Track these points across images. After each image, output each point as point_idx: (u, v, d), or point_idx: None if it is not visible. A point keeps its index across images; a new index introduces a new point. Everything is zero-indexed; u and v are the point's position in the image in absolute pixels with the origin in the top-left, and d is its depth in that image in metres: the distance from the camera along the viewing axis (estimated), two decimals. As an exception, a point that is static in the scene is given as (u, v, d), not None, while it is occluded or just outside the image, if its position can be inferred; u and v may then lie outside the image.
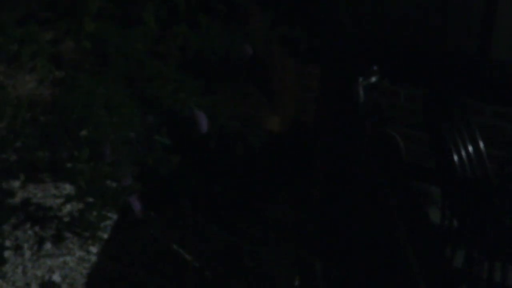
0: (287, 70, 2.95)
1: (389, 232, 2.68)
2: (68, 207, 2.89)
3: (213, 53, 2.81)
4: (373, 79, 2.77)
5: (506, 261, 2.47)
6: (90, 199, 2.76)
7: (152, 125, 2.81)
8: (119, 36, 2.75)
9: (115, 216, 2.90)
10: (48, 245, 2.80)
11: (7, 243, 2.75)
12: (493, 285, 2.42)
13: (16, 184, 2.87)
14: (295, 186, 2.87)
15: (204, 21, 2.78)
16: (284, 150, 2.92)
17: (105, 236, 2.86)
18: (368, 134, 2.77)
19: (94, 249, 2.82)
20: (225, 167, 2.89)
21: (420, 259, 2.60)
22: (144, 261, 2.75)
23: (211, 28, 2.79)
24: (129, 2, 2.78)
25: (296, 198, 2.87)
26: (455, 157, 2.62)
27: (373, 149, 2.75)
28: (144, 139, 2.80)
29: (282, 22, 2.79)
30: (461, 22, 2.75)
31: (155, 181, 2.84)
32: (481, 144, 2.63)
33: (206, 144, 2.80)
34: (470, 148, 2.64)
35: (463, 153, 2.64)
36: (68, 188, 2.92)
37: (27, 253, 2.76)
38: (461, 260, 2.52)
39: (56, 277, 2.71)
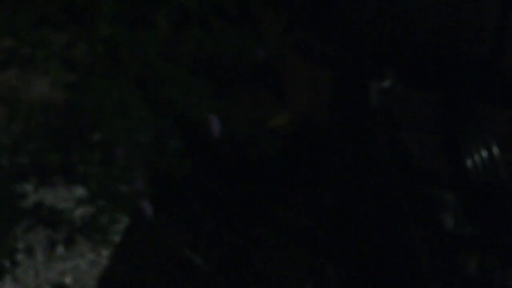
0: (300, 74, 2.96)
1: (402, 238, 2.68)
2: (80, 211, 2.90)
3: (226, 56, 2.83)
4: (386, 83, 2.78)
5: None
6: (102, 203, 2.80)
7: (164, 129, 2.82)
8: (132, 40, 2.78)
9: (126, 220, 2.92)
10: (60, 248, 2.82)
11: (20, 245, 2.79)
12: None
13: (28, 187, 2.85)
14: (308, 190, 2.90)
15: (217, 24, 2.82)
16: (296, 154, 2.95)
17: (117, 239, 2.90)
18: (381, 139, 2.78)
19: (105, 253, 2.86)
20: (237, 171, 2.92)
21: (433, 265, 2.60)
22: (156, 265, 2.79)
23: (223, 32, 2.81)
24: (142, 6, 2.79)
25: (309, 202, 2.89)
26: (470, 163, 2.65)
27: (386, 154, 2.77)
28: (156, 143, 2.82)
29: (295, 26, 2.84)
30: (475, 26, 2.75)
31: (167, 185, 2.88)
32: (496, 149, 2.64)
33: (218, 149, 2.86)
34: (485, 154, 2.66)
35: (478, 158, 2.66)
36: (80, 191, 2.91)
37: (39, 256, 2.81)
38: (475, 267, 2.55)
39: (68, 280, 2.76)
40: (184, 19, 2.82)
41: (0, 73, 2.89)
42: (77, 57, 2.82)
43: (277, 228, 2.82)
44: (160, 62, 2.79)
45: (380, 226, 2.73)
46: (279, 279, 2.69)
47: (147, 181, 2.80)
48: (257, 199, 2.87)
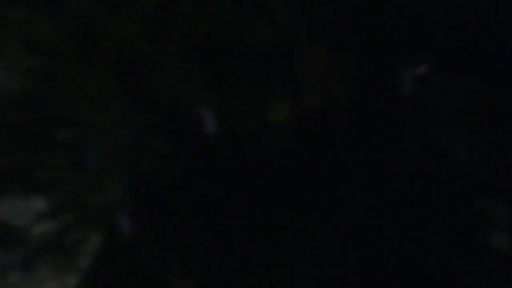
0: (315, 58, 2.74)
1: (439, 259, 2.48)
2: (40, 227, 2.68)
3: (224, 38, 2.63)
4: (421, 69, 2.60)
5: None
6: (69, 217, 2.63)
7: (148, 125, 2.63)
8: (110, 17, 2.59)
9: (99, 238, 2.69)
10: (14, 275, 2.62)
11: None
12: None
13: None
14: (322, 199, 2.63)
15: (214, 4, 2.60)
16: (307, 155, 2.70)
17: (86, 263, 2.67)
18: (413, 139, 2.59)
19: (72, 280, 2.65)
20: (236, 176, 2.67)
21: (475, 273, 2.43)
22: None
23: (222, 8, 2.62)
24: None
25: (323, 213, 2.62)
26: None
27: (419, 157, 2.57)
28: (138, 143, 2.64)
29: (309, 0, 2.66)
30: None
31: (151, 194, 2.65)
32: None
33: (214, 149, 2.63)
34: None
35: None
36: (41, 203, 2.69)
37: None
38: None
39: None
40: None
41: None
42: (40, 38, 2.64)
43: (284, 246, 2.58)
44: (144, 44, 2.59)
45: (411, 246, 2.52)
46: None
47: (125, 190, 2.64)
48: (260, 210, 2.63)
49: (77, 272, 2.66)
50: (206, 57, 2.68)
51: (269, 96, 2.75)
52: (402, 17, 2.60)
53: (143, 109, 2.60)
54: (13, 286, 2.60)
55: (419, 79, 2.61)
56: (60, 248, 2.61)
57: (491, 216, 2.49)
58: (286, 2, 2.68)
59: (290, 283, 2.54)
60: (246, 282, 2.55)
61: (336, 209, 2.64)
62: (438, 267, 2.50)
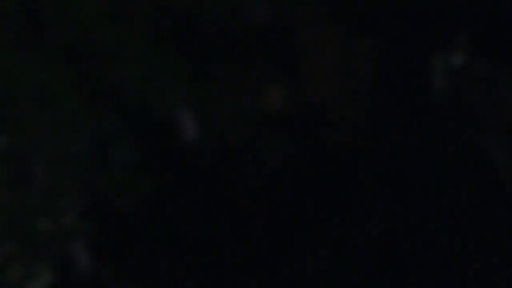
0: (324, 44, 2.39)
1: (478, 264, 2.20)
2: None
3: (208, 18, 2.28)
4: (457, 58, 2.28)
5: None
6: (10, 248, 2.25)
7: (111, 130, 2.28)
8: None
9: (50, 274, 2.29)
10: None
11: None
12: None
13: None
14: (333, 218, 2.28)
15: None
16: (316, 163, 2.32)
17: None
18: (448, 141, 2.26)
19: None
20: (222, 194, 2.30)
21: None
22: None
23: None
24: None
25: (336, 238, 2.28)
26: None
27: (457, 164, 2.25)
28: (97, 152, 2.28)
29: None
30: None
31: (114, 219, 2.29)
32: None
33: (194, 160, 2.27)
34: None
35: None
36: None
37: None
38: None
39: None
40: None
41: None
42: None
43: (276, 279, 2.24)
44: (105, 26, 2.24)
45: (453, 269, 2.22)
46: None
47: (82, 213, 2.28)
48: (251, 237, 2.27)
49: None
50: (186, 42, 2.32)
51: (265, 91, 2.39)
52: (428, 8, 2.26)
53: (103, 108, 2.24)
54: None
55: (456, 71, 2.28)
56: (6, 284, 2.27)
57: None
58: None
59: None
60: None
61: (356, 234, 2.25)
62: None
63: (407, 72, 2.34)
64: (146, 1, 2.25)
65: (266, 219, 2.32)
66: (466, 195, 2.28)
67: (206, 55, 2.33)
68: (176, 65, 2.24)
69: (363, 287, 2.30)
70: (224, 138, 2.29)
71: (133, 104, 2.24)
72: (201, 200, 2.34)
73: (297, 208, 2.32)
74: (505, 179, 2.28)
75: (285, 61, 2.39)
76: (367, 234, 2.32)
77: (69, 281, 2.31)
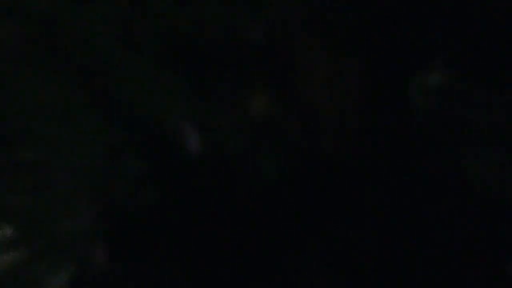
0: (316, 64, 2.48)
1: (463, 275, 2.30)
2: (3, 259, 2.46)
3: (209, 38, 2.40)
4: (437, 77, 2.37)
5: None
6: (35, 247, 2.43)
7: (121, 142, 2.41)
8: (75, 15, 2.38)
9: (69, 271, 2.45)
10: None
11: None
12: None
13: None
14: (327, 228, 2.39)
15: None
16: (315, 178, 2.43)
17: None
18: (430, 157, 2.37)
19: None
20: (223, 202, 2.42)
21: None
22: None
23: (207, 3, 2.40)
24: None
25: (329, 246, 2.38)
26: None
27: (437, 178, 2.35)
28: (109, 162, 2.42)
29: None
30: None
31: (126, 222, 2.44)
32: None
33: (196, 170, 2.40)
34: None
35: None
36: (1, 232, 2.47)
37: None
38: None
39: None
40: None
41: None
42: None
43: (278, 281, 2.36)
44: (115, 47, 2.38)
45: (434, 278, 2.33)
46: None
47: (99, 217, 2.44)
48: (251, 243, 2.39)
49: None
50: (188, 60, 2.43)
51: (262, 106, 2.52)
52: (414, 14, 2.34)
53: (114, 123, 2.39)
54: None
55: (435, 90, 2.36)
56: (25, 282, 2.42)
57: None
58: (285, 3, 2.44)
59: None
60: None
61: (345, 242, 2.36)
62: None
63: (391, 89, 2.42)
64: (154, 24, 2.36)
65: (262, 221, 2.43)
66: (446, 204, 2.32)
67: (208, 74, 2.43)
68: (180, 83, 2.36)
69: None
70: (223, 148, 2.39)
71: (141, 119, 2.36)
72: (202, 203, 2.44)
73: (290, 212, 2.46)
74: (485, 190, 2.34)
75: (279, 77, 2.54)
76: (358, 239, 2.48)
77: (86, 277, 2.44)
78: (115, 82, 2.35)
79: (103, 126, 2.36)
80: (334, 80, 2.46)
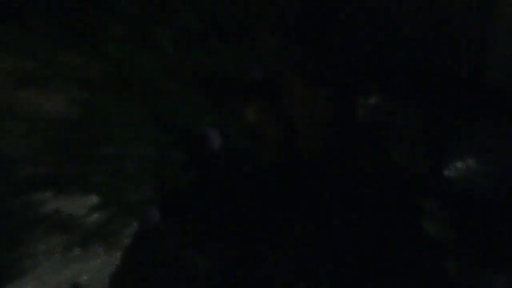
0: (295, 91, 3.01)
1: (392, 240, 2.80)
2: (94, 216, 2.99)
3: (225, 73, 2.93)
4: (373, 99, 2.93)
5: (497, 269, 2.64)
6: (114, 209, 2.93)
7: (168, 142, 2.93)
8: (139, 59, 2.91)
9: (136, 225, 3.01)
10: (76, 250, 2.94)
11: (40, 248, 2.91)
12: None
13: (47, 195, 2.94)
14: (302, 198, 2.96)
15: (216, 44, 2.95)
16: (291, 165, 3.01)
17: (127, 242, 2.98)
18: (370, 152, 2.91)
19: (117, 254, 2.96)
20: (235, 182, 2.98)
21: (419, 264, 2.72)
22: (162, 265, 2.89)
23: (222, 51, 2.94)
24: (148, 27, 2.91)
25: (303, 208, 2.95)
26: (452, 173, 2.80)
27: (375, 166, 2.90)
28: (161, 155, 2.93)
29: (291, 46, 2.95)
30: (457, 45, 2.86)
31: (172, 194, 2.95)
32: (477, 161, 2.78)
33: (217, 161, 2.93)
34: (467, 165, 2.80)
35: (461, 169, 2.79)
36: (94, 199, 2.98)
37: (57, 257, 2.92)
38: (454, 266, 2.69)
39: (83, 279, 2.88)
40: (187, 40, 2.92)
41: (21, 91, 2.98)
42: (91, 77, 2.92)
43: (273, 235, 2.92)
44: (164, 79, 2.90)
45: (371, 231, 2.85)
46: (273, 281, 2.84)
47: (154, 190, 2.91)
48: (253, 206, 2.96)
49: (121, 250, 2.90)
50: (212, 88, 2.92)
51: (261, 119, 2.95)
52: (361, 63, 2.85)
53: (164, 129, 2.87)
54: (76, 259, 2.85)
55: (372, 106, 2.87)
56: (109, 232, 2.88)
57: (426, 209, 2.78)
58: (273, 46, 2.90)
59: (274, 259, 2.80)
60: (241, 255, 2.80)
61: (314, 206, 2.87)
62: (392, 246, 2.74)
63: (344, 107, 2.94)
64: (188, 64, 2.86)
65: (259, 195, 2.91)
66: (379, 182, 2.81)
67: (225, 97, 2.93)
68: (206, 103, 2.88)
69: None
70: (235, 147, 2.88)
71: (182, 126, 2.85)
72: (221, 183, 2.93)
73: (278, 190, 2.90)
74: (403, 173, 2.82)
75: (272, 100, 2.97)
76: (321, 202, 2.89)
77: (147, 229, 2.91)
78: (166, 103, 2.84)
79: (157, 132, 2.84)
80: (307, 102, 2.94)
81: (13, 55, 2.95)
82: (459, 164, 2.73)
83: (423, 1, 2.82)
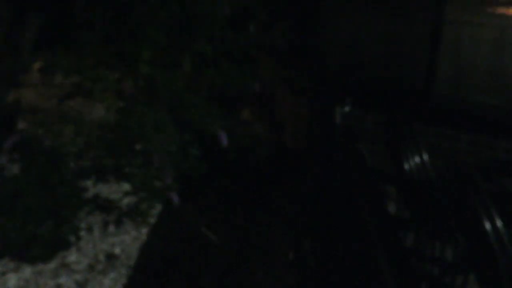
0: (286, 101, 3.06)
1: (359, 219, 2.75)
2: (126, 200, 2.96)
3: (232, 88, 2.93)
4: (347, 108, 2.91)
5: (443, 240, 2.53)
6: (142, 194, 2.88)
7: (187, 141, 2.90)
8: (164, 77, 2.87)
9: (160, 207, 2.97)
10: (111, 227, 2.88)
11: (82, 225, 2.84)
12: (434, 259, 2.47)
13: (89, 183, 2.95)
14: (292, 185, 2.94)
15: (225, 66, 2.92)
16: (284, 160, 3.01)
17: (153, 221, 2.94)
18: (343, 148, 2.88)
19: (145, 230, 2.90)
20: (240, 172, 2.99)
21: (382, 240, 2.67)
22: (181, 240, 2.83)
23: (230, 71, 2.91)
24: (172, 52, 2.87)
25: (292, 194, 2.94)
26: (407, 165, 2.74)
27: (347, 159, 2.85)
28: (181, 151, 2.88)
29: (282, 67, 2.95)
30: (411, 65, 2.91)
31: (189, 182, 2.92)
32: (425, 156, 2.73)
33: (226, 155, 2.93)
34: (418, 159, 2.75)
35: (413, 162, 2.75)
36: (126, 186, 2.96)
37: (96, 233, 2.85)
38: (411, 241, 2.62)
39: (117, 251, 2.79)
40: (201, 62, 2.91)
41: (69, 101, 2.95)
42: (125, 89, 2.90)
43: (269, 213, 2.88)
44: (185, 93, 2.88)
45: (343, 211, 2.80)
46: (269, 249, 2.76)
47: (175, 179, 2.86)
48: (254, 192, 2.94)
49: (147, 227, 2.89)
50: (222, 99, 2.93)
51: (259, 124, 2.97)
52: (337, 80, 2.85)
53: (184, 131, 2.84)
54: (111, 234, 2.83)
55: (346, 114, 2.89)
56: (138, 212, 2.85)
57: (387, 194, 2.80)
58: (269, 68, 2.93)
59: (271, 235, 2.77)
60: (245, 232, 2.79)
61: (300, 192, 2.87)
62: (359, 225, 2.67)
63: (324, 114, 2.93)
64: (204, 81, 2.88)
65: (259, 181, 2.94)
66: (352, 172, 2.74)
67: (232, 106, 2.94)
68: (217, 111, 2.85)
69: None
70: (239, 145, 2.88)
71: (198, 128, 2.84)
72: (229, 173, 2.96)
73: (274, 175, 2.90)
74: (370, 165, 2.80)
75: (267, 108, 3.00)
76: (306, 188, 2.83)
77: (169, 211, 2.90)
78: (186, 111, 2.82)
79: (178, 133, 2.79)
80: (294, 109, 2.95)
81: (63, 72, 2.89)
82: (416, 159, 2.67)
83: (381, 33, 2.82)
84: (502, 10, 2.72)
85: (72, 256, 2.71)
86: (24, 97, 3.14)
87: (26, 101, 3.14)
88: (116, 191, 2.99)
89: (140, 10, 2.68)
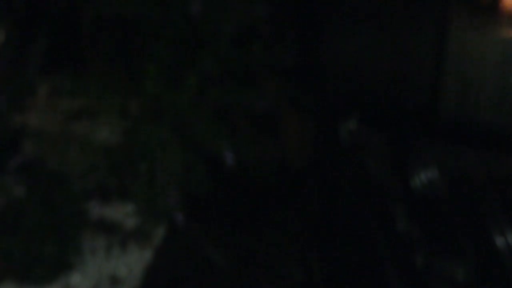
0: (291, 119, 3.05)
1: (368, 236, 2.72)
2: (131, 221, 2.94)
3: (237, 107, 2.92)
4: (353, 125, 2.92)
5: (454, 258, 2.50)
6: (147, 215, 2.86)
7: (192, 160, 2.87)
8: (170, 96, 2.86)
9: (165, 227, 2.92)
10: (116, 249, 2.84)
11: (86, 246, 2.79)
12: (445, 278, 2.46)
13: (94, 203, 2.94)
14: (298, 203, 2.91)
15: (231, 85, 2.90)
16: (289, 178, 2.97)
17: (158, 242, 2.89)
18: (350, 164, 2.89)
19: (149, 251, 2.86)
20: (245, 191, 2.96)
21: (391, 257, 2.63)
22: (185, 260, 2.80)
23: (235, 90, 2.90)
24: (178, 70, 2.87)
25: (299, 211, 2.89)
26: (414, 181, 2.75)
27: (354, 175, 2.85)
28: (186, 171, 2.86)
29: (287, 86, 2.96)
30: (417, 82, 2.91)
31: (194, 201, 2.89)
32: (434, 172, 2.72)
33: (231, 175, 2.89)
34: (425, 175, 2.74)
35: (421, 178, 2.76)
36: (131, 207, 2.93)
37: (100, 254, 2.81)
38: (420, 258, 2.60)
39: (121, 272, 2.75)
40: (207, 81, 2.89)
41: (75, 122, 3.02)
42: (130, 109, 2.90)
43: (275, 231, 2.83)
44: (190, 112, 2.86)
45: (352, 227, 2.76)
46: (275, 269, 2.71)
47: (179, 199, 2.84)
48: (260, 211, 2.90)
49: (152, 248, 2.84)
50: (227, 118, 2.91)
51: (264, 143, 2.94)
52: (342, 98, 2.88)
53: (188, 150, 2.80)
54: (116, 256, 2.77)
55: (352, 130, 2.89)
56: (142, 233, 2.81)
57: (395, 210, 2.72)
58: (274, 86, 2.94)
59: (277, 254, 2.72)
60: (251, 252, 2.75)
61: (307, 208, 2.85)
62: (367, 242, 2.65)
63: (331, 131, 2.93)
64: (209, 100, 2.84)
65: (264, 200, 2.90)
66: (359, 189, 2.75)
67: (237, 125, 2.92)
68: (223, 130, 2.84)
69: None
70: (244, 165, 2.85)
71: (203, 148, 2.81)
72: (234, 192, 2.93)
73: (280, 194, 2.88)
74: (377, 181, 2.79)
75: (271, 127, 2.98)
76: (313, 205, 2.81)
77: (174, 231, 2.84)
78: (191, 130, 2.79)
79: (183, 153, 2.79)
80: (299, 126, 2.95)
81: (69, 95, 2.96)
82: (422, 175, 2.67)
83: (386, 51, 2.83)
84: (508, 26, 2.63)
85: (76, 278, 2.66)
86: (29, 120, 3.13)
87: (31, 123, 3.12)
88: (120, 211, 2.93)
89: (147, 28, 2.70)
